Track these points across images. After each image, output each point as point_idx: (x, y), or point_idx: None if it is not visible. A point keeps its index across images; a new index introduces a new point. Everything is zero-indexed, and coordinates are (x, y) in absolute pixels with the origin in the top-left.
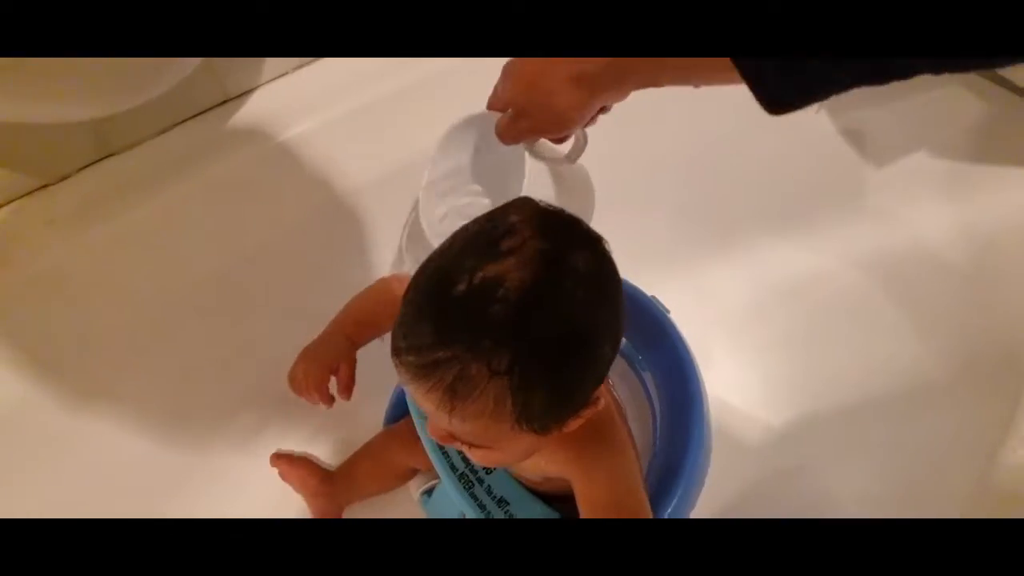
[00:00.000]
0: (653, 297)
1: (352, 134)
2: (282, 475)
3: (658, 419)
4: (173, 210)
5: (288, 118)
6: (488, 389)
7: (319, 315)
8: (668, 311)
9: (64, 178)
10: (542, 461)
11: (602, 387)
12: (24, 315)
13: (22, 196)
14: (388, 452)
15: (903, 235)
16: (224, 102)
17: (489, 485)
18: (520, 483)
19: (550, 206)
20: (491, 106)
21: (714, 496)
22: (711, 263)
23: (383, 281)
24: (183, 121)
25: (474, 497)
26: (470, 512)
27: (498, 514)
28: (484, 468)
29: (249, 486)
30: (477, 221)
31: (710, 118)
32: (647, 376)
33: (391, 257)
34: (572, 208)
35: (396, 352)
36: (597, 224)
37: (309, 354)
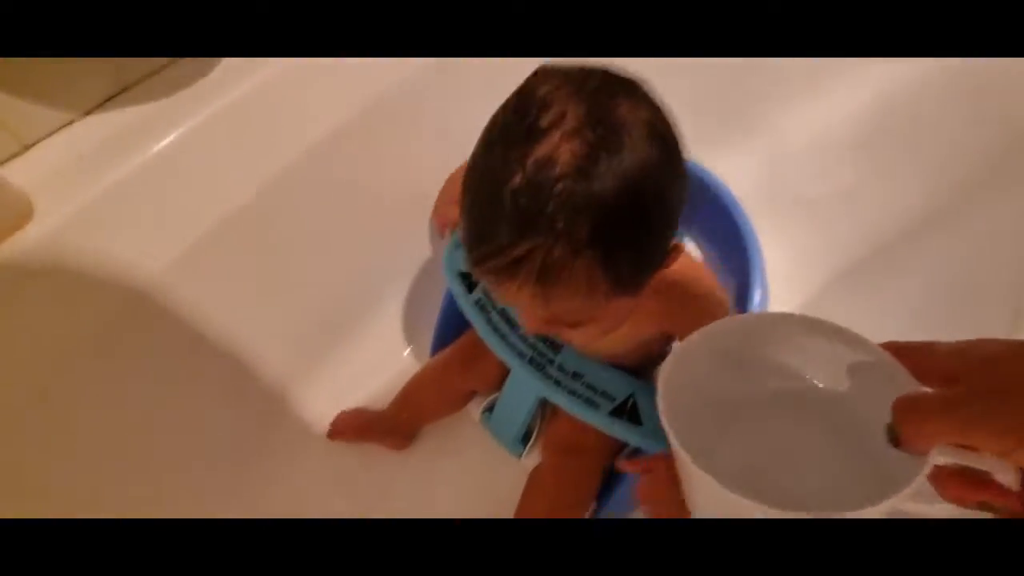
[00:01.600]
0: None
1: None
2: (348, 439)
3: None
4: (196, 138)
5: None
6: (576, 267)
7: (354, 240)
8: None
9: (88, 113)
10: (635, 324)
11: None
12: (63, 252)
13: (51, 134)
14: (444, 378)
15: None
16: None
17: (560, 363)
18: (587, 359)
19: (573, 65)
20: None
21: None
22: (722, 150)
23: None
24: None
25: (548, 377)
26: (547, 391)
27: (576, 387)
28: (552, 349)
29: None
30: (506, 106)
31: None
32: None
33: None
34: None
35: (476, 263)
36: None
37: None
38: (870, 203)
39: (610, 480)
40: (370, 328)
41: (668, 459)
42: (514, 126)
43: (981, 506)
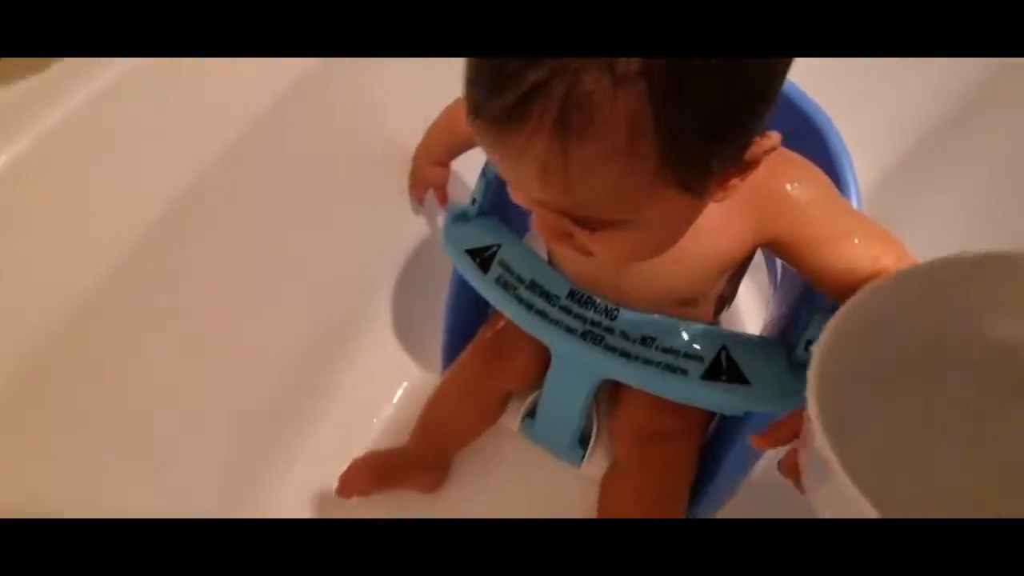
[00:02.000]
0: None
1: None
2: (364, 493)
3: None
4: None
5: None
6: (616, 107)
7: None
8: None
9: None
10: (715, 236)
11: None
12: None
13: None
14: (468, 387)
15: None
16: None
17: (623, 330)
18: (650, 315)
19: None
20: None
21: None
22: None
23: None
24: None
25: (612, 350)
26: (614, 368)
27: (651, 355)
28: (607, 315)
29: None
30: None
31: None
32: None
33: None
34: None
35: (474, 111)
36: None
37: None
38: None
39: (703, 468)
40: (347, 375)
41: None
42: None
43: None
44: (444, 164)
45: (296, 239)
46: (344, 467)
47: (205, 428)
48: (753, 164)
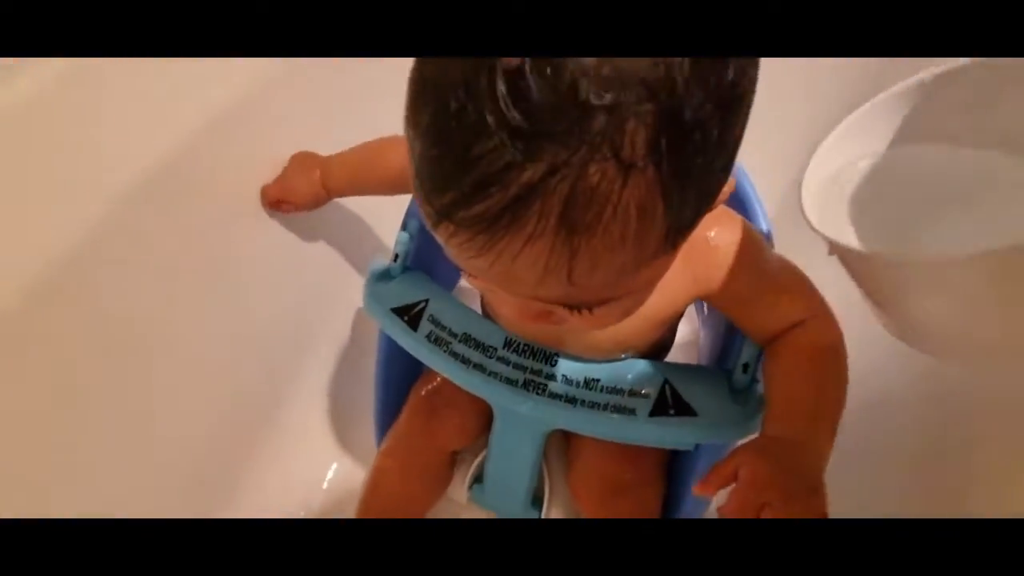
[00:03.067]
0: None
1: None
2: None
3: None
4: None
5: None
6: (625, 197)
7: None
8: None
9: None
10: (662, 292)
11: None
12: None
13: None
14: (409, 456)
15: None
16: None
17: (564, 375)
18: (589, 360)
19: None
20: None
21: None
22: None
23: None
24: None
25: (555, 397)
26: (560, 416)
27: (596, 398)
28: (545, 360)
29: None
30: None
31: None
32: None
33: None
34: None
35: (446, 214)
36: None
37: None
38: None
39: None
40: (268, 459)
41: (749, 452)
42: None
43: None
44: (330, 195)
45: (196, 325)
46: None
47: None
48: (717, 203)
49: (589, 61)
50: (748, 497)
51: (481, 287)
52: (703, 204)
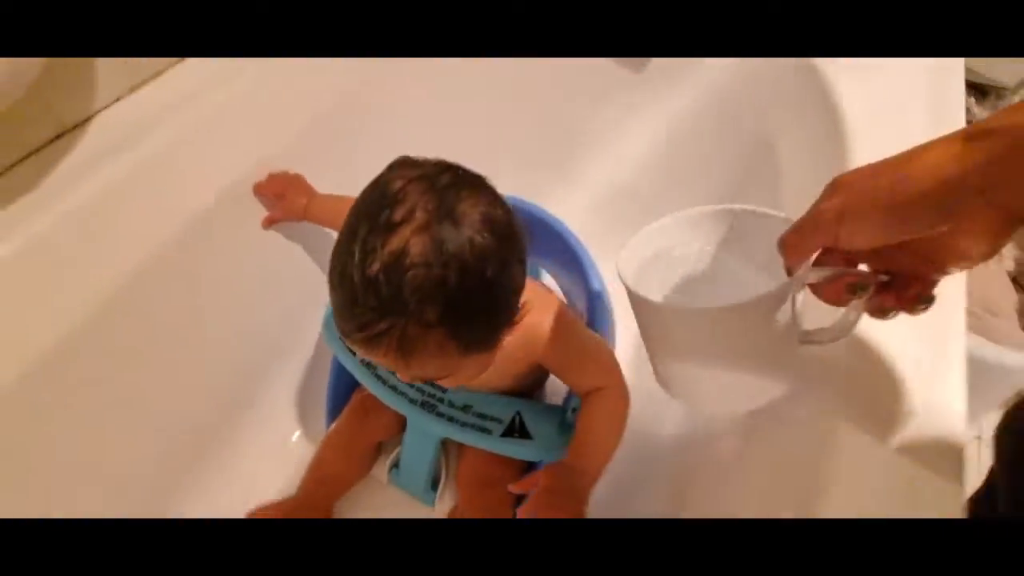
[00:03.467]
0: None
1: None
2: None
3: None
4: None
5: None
6: (429, 340)
7: (227, 329)
8: None
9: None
10: (504, 364)
11: (530, 288)
12: None
13: None
14: (347, 440)
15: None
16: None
17: (449, 400)
18: (473, 391)
19: (427, 161)
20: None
21: None
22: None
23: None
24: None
25: (440, 415)
26: (442, 429)
27: (467, 419)
28: (439, 388)
29: None
30: (365, 192)
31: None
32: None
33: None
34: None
35: (344, 333)
36: None
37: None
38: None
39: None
40: (251, 421)
41: (548, 471)
42: (373, 217)
43: (848, 289)
44: (307, 218)
45: (217, 313)
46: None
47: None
48: (519, 320)
49: (411, 274)
50: (539, 500)
51: None
52: (488, 335)
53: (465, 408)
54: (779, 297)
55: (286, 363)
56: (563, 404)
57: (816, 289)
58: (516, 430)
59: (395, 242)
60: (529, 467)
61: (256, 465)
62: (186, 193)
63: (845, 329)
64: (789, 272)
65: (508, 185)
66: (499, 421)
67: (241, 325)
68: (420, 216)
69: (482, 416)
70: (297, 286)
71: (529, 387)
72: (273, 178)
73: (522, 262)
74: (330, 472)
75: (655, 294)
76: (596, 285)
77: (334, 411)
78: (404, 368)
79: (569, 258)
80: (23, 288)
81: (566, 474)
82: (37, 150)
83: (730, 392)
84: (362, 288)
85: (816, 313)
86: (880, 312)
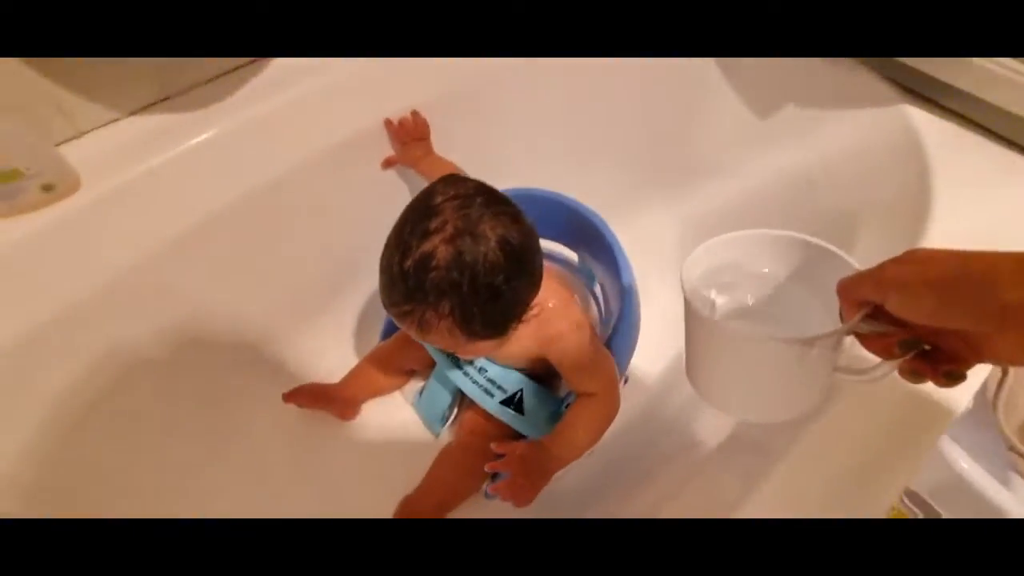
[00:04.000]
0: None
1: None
2: (301, 405)
3: (600, 299)
4: (223, 141)
5: None
6: (441, 326)
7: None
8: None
9: (133, 113)
10: (515, 350)
11: (553, 291)
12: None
13: (101, 126)
14: (388, 357)
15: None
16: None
17: (472, 360)
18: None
19: (469, 181)
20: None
21: None
22: (645, 207)
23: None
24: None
25: (459, 368)
26: (457, 380)
27: (479, 379)
28: None
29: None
30: (417, 198)
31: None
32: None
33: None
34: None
35: (384, 305)
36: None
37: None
38: None
39: None
40: (333, 313)
41: (521, 445)
42: (415, 223)
43: (898, 346)
44: (417, 168)
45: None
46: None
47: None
48: (528, 319)
49: (433, 274)
50: (511, 462)
51: None
52: (491, 329)
53: (481, 371)
54: (833, 340)
55: (361, 286)
56: (563, 397)
57: (862, 339)
58: (513, 403)
59: (426, 246)
60: (517, 436)
61: (315, 360)
62: (332, 129)
63: (876, 378)
64: (842, 316)
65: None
66: (503, 391)
67: (339, 245)
68: (449, 229)
69: (491, 382)
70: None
71: (545, 372)
72: (404, 123)
73: (531, 275)
74: (366, 377)
75: (711, 305)
76: (626, 280)
77: (386, 335)
78: (422, 339)
79: (605, 253)
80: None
81: (541, 451)
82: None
83: (764, 405)
84: (398, 276)
85: None
86: (912, 375)
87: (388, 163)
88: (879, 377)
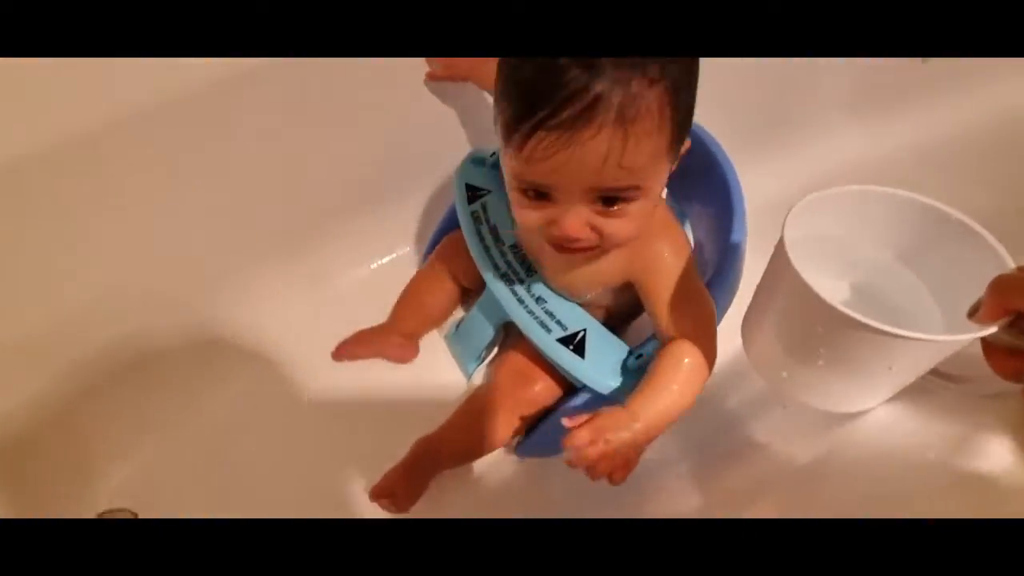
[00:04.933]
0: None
1: None
2: (355, 358)
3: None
4: None
5: None
6: (651, 98)
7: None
8: None
9: None
10: (606, 266)
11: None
12: None
13: None
14: (433, 273)
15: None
16: None
17: (528, 285)
18: (554, 290)
19: None
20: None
21: None
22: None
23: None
24: None
25: (513, 293)
26: (509, 307)
27: (535, 309)
28: (526, 271)
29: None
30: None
31: None
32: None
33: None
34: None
35: (540, 124)
36: None
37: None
38: None
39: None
40: (369, 223)
41: (608, 409)
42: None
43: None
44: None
45: (371, 122)
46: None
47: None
48: (679, 161)
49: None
50: (594, 432)
51: (539, 219)
52: (687, 125)
53: (539, 300)
54: (954, 348)
55: (409, 194)
56: (633, 348)
57: (990, 350)
58: (574, 343)
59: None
60: (566, 390)
61: (355, 262)
62: None
63: (983, 394)
64: (971, 314)
65: None
66: (563, 327)
67: (395, 148)
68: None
69: (550, 314)
70: (451, 137)
71: (617, 313)
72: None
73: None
74: (419, 302)
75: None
76: (737, 235)
77: (433, 245)
78: (619, 149)
79: (720, 196)
80: None
81: (626, 421)
82: None
83: (837, 393)
84: (569, 63)
85: None
86: None
87: (432, 77)
88: (987, 394)
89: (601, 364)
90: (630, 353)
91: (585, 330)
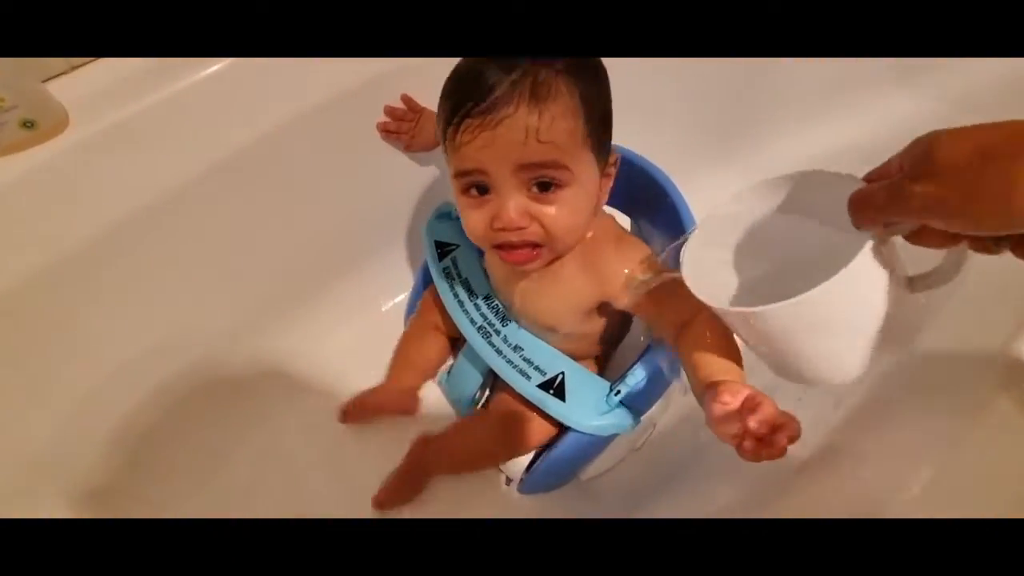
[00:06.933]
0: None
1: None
2: (361, 421)
3: None
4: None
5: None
6: (560, 82)
7: (352, 194)
8: None
9: None
10: (571, 287)
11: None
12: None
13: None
14: (424, 325)
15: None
16: None
17: (505, 335)
18: (531, 334)
19: None
20: (871, 175)
21: None
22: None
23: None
24: None
25: (492, 345)
26: (488, 358)
27: (513, 358)
28: (501, 321)
29: None
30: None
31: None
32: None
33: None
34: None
35: (468, 113)
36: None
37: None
38: None
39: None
40: (353, 281)
41: (748, 387)
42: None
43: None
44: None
45: (339, 188)
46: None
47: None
48: (612, 172)
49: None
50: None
51: (483, 218)
52: (604, 126)
53: (517, 348)
54: (863, 269)
55: (386, 255)
56: (612, 382)
57: (912, 236)
58: (553, 387)
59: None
60: (560, 425)
61: (347, 317)
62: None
63: (956, 266)
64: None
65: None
66: (541, 372)
67: (368, 210)
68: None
69: (528, 361)
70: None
71: (599, 339)
72: (395, 111)
73: (607, 110)
74: (415, 358)
75: (720, 276)
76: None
77: (412, 304)
78: (535, 126)
79: (667, 215)
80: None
81: (744, 390)
82: None
83: (835, 365)
84: (488, 64)
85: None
86: (984, 248)
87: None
88: (957, 267)
89: (582, 404)
90: (610, 390)
91: (563, 373)
